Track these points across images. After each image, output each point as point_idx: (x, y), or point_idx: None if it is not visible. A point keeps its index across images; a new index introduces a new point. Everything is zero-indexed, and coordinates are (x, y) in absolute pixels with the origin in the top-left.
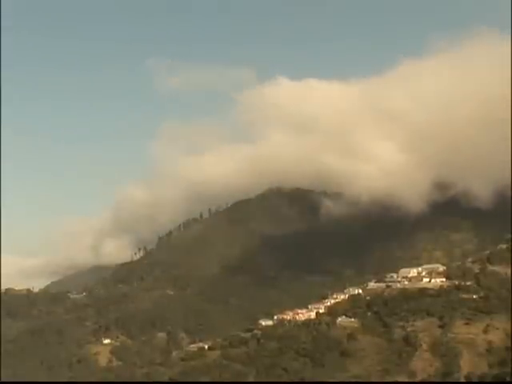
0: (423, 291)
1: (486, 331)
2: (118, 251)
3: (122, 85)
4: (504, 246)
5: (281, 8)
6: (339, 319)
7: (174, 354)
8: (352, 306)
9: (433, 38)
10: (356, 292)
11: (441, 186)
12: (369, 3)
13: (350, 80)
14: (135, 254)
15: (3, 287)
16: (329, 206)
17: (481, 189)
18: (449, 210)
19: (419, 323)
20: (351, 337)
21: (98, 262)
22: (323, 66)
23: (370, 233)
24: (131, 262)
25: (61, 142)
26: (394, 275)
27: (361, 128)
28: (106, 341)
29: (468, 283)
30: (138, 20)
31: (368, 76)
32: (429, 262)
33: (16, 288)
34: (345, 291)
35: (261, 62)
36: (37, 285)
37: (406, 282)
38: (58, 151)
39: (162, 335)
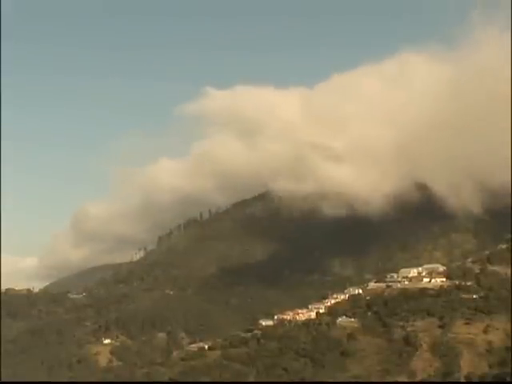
0: (423, 291)
1: (485, 331)
2: (84, 258)
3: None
4: (504, 246)
5: (198, 17)
6: (339, 319)
7: (174, 354)
8: (352, 306)
9: (365, 48)
10: (356, 292)
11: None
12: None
13: (287, 87)
14: (135, 253)
15: (3, 287)
16: (327, 207)
17: (465, 188)
18: (443, 212)
19: (419, 323)
20: (351, 337)
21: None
22: (245, 74)
23: (370, 232)
24: (131, 263)
25: None
26: (394, 275)
27: (316, 138)
28: (106, 341)
29: (468, 283)
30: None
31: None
32: (429, 262)
33: (16, 288)
34: (345, 291)
35: (183, 75)
36: (37, 285)
37: (406, 282)
38: None
39: (162, 335)
